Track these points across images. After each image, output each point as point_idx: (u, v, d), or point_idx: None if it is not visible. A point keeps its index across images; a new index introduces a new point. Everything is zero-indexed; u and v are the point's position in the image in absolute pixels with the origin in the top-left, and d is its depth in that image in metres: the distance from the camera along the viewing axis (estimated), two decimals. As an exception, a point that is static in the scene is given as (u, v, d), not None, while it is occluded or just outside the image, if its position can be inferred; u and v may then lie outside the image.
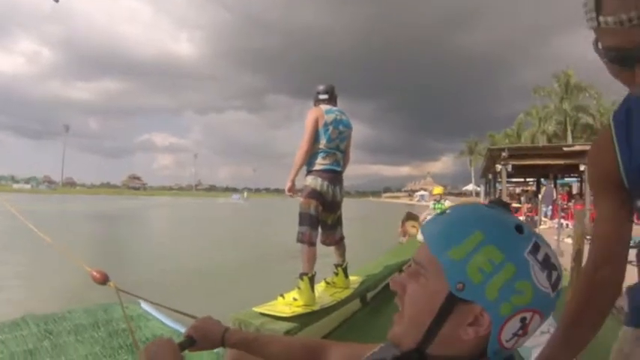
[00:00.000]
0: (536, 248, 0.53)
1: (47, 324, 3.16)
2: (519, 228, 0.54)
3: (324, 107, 3.08)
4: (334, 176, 3.05)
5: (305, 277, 2.85)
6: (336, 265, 3.35)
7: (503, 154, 14.28)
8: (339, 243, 3.29)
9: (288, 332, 2.58)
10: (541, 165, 15.24)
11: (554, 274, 0.53)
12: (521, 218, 6.48)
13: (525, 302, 0.51)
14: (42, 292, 5.22)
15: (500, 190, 16.17)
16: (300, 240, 2.93)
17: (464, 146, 56.21)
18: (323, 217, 3.07)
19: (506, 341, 0.52)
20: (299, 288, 2.87)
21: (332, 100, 3.18)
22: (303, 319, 2.74)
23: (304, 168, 3.10)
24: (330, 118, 3.02)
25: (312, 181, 2.98)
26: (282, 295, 2.96)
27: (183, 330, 3.16)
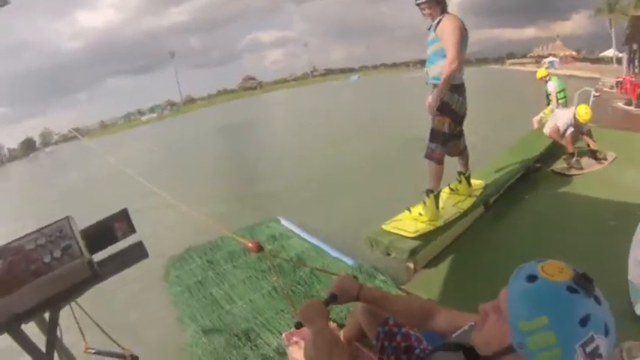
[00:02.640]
0: (589, 341, 0.63)
1: (207, 254, 3.68)
2: (584, 320, 0.63)
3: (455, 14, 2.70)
4: (464, 87, 2.83)
5: (431, 195, 2.84)
6: (460, 173, 3.29)
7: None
8: (462, 153, 3.19)
9: (413, 250, 2.64)
10: None
11: None
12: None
13: None
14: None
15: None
16: (428, 156, 2.83)
17: (601, 2, 44.25)
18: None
19: None
20: (424, 203, 2.88)
21: None
22: (427, 237, 2.78)
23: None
24: (463, 25, 2.67)
25: (449, 98, 2.74)
26: (409, 209, 3.04)
27: (320, 244, 3.51)
